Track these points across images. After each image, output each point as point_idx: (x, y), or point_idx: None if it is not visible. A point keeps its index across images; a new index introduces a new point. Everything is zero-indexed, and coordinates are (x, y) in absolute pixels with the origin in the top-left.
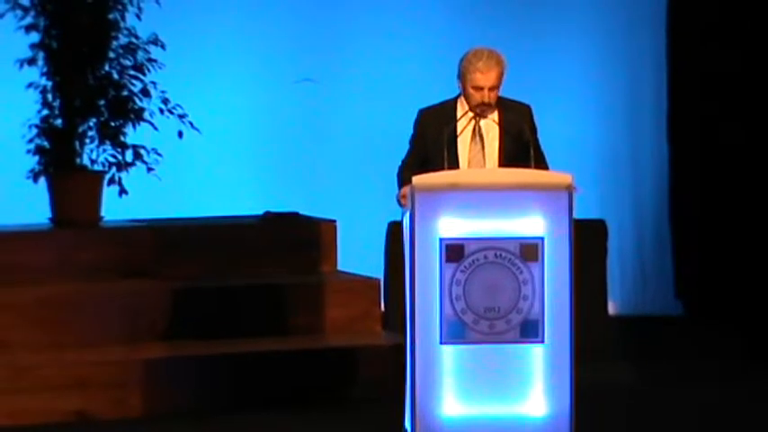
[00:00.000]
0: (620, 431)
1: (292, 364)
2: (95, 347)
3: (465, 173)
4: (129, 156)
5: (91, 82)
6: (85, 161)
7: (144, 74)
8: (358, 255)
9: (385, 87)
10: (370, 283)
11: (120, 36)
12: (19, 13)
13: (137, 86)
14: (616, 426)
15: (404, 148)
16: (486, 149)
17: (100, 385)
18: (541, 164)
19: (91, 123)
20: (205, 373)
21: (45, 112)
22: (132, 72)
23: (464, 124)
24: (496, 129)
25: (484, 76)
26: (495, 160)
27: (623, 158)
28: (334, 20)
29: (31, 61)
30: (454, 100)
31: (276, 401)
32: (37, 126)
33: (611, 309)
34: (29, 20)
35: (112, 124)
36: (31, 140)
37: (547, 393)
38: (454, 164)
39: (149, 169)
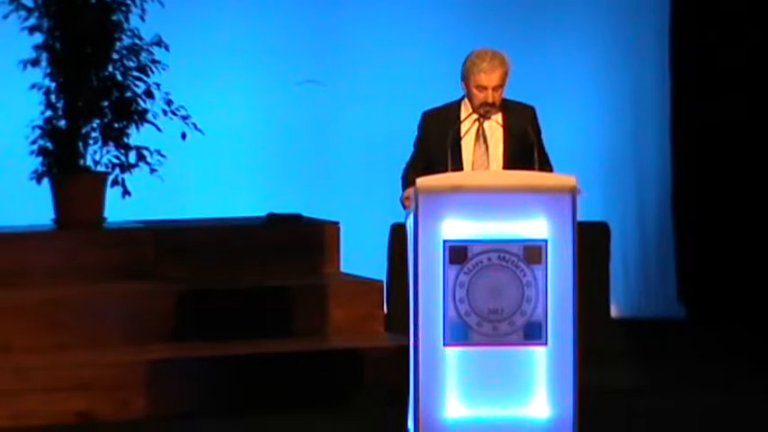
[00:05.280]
0: None
1: (296, 366)
2: (99, 349)
3: (469, 175)
4: (132, 157)
5: (94, 83)
6: (89, 162)
7: (147, 75)
8: (361, 257)
9: (388, 89)
10: (373, 285)
11: (123, 37)
12: (23, 14)
13: (140, 88)
14: (619, 428)
15: (407, 150)
16: (489, 151)
17: (104, 387)
18: (545, 165)
19: (94, 125)
20: (209, 375)
21: (48, 113)
22: (136, 73)
23: (468, 126)
24: (500, 131)
25: (488, 77)
26: (499, 162)
27: (626, 161)
28: (338, 22)
29: (35, 62)
30: (458, 102)
31: (280, 403)
32: (40, 127)
33: (614, 311)
34: (32, 21)
35: (116, 125)
36: (34, 142)
37: (550, 396)
38: (458, 166)
39: (152, 170)
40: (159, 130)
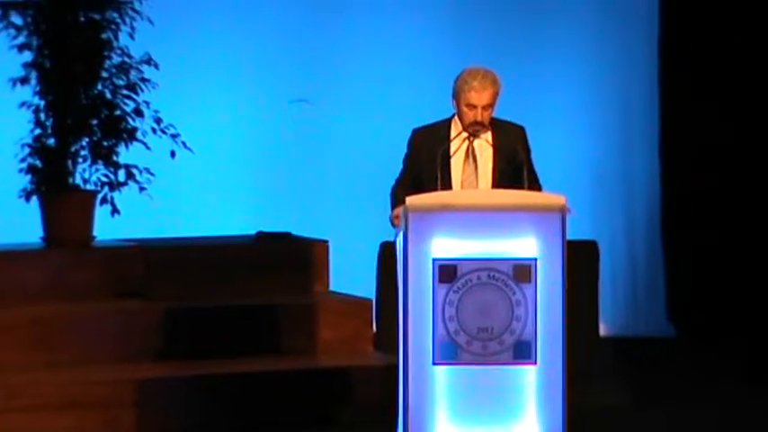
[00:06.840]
0: None
1: (285, 385)
2: (88, 367)
3: (458, 194)
4: (121, 175)
5: (84, 101)
6: (78, 181)
7: (137, 93)
8: (350, 275)
9: (378, 108)
10: (362, 303)
11: (113, 56)
12: (12, 32)
13: (129, 106)
14: None
15: (397, 168)
16: (479, 170)
17: (93, 405)
18: (535, 185)
19: (83, 143)
20: (197, 394)
21: (38, 131)
22: (125, 92)
23: (458, 145)
24: (490, 149)
25: (478, 95)
26: (489, 181)
27: (615, 180)
28: (328, 41)
29: (24, 80)
30: (448, 120)
31: (269, 421)
32: (29, 145)
33: (603, 330)
34: (22, 39)
35: (105, 144)
36: (23, 160)
37: (540, 415)
38: (447, 184)
39: (142, 189)
40: (148, 148)
